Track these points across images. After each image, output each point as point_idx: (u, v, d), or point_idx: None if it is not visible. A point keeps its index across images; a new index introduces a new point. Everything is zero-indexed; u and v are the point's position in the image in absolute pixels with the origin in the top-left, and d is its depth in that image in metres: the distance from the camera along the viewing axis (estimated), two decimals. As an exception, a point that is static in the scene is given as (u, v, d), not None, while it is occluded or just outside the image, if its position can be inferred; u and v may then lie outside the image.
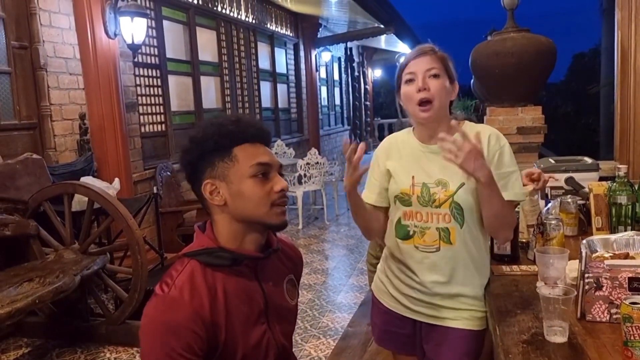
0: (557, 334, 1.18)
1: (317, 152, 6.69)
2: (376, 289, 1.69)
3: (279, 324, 1.21)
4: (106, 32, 4.19)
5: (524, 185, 1.82)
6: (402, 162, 1.53)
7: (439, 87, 1.42)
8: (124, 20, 4.31)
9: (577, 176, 2.29)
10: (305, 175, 6.48)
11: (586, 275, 1.25)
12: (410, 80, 1.45)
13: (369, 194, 1.58)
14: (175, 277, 1.09)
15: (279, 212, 1.15)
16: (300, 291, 4.01)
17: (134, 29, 4.39)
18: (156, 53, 5.47)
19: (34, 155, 3.34)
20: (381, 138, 16.65)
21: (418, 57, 1.45)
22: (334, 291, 4.12)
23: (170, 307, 1.05)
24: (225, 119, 1.16)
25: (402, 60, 1.52)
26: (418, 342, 1.59)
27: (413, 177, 1.48)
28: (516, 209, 1.88)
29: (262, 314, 1.17)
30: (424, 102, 1.42)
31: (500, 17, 3.71)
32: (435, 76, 1.43)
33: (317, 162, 6.53)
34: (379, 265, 1.71)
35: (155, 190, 4.02)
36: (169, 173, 5.23)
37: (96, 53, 4.16)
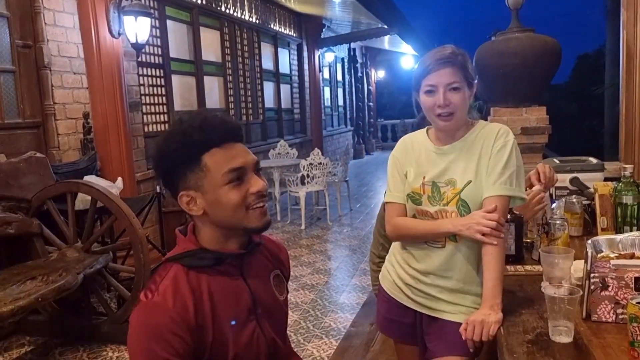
0: (562, 334, 1.18)
1: (320, 153, 6.68)
2: (382, 277, 1.73)
3: (268, 320, 1.20)
4: (110, 32, 4.20)
5: (532, 186, 1.80)
6: (415, 162, 1.57)
7: (460, 100, 1.45)
8: (128, 20, 4.31)
9: (582, 176, 2.28)
10: (308, 175, 6.47)
11: (592, 275, 1.24)
12: (430, 92, 1.47)
13: (398, 194, 1.58)
14: (158, 282, 1.08)
15: (257, 215, 1.11)
16: (302, 291, 4.03)
17: (138, 28, 4.40)
18: (160, 53, 5.47)
19: (38, 154, 3.35)
20: (384, 139, 16.70)
21: (440, 69, 1.45)
22: (337, 291, 4.11)
23: (153, 312, 1.04)
24: (189, 125, 1.09)
25: (421, 64, 1.50)
26: (419, 334, 1.62)
27: (424, 176, 1.52)
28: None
29: (251, 312, 1.16)
30: (445, 114, 1.46)
31: (505, 18, 3.70)
32: (456, 89, 1.45)
33: (320, 163, 6.52)
34: (387, 255, 1.74)
35: (158, 190, 4.02)
36: (172, 172, 5.23)
37: (100, 52, 4.17)
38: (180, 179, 1.09)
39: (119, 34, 4.29)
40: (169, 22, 5.66)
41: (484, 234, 1.38)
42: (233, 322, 1.11)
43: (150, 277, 1.13)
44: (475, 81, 1.50)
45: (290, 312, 3.57)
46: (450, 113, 1.45)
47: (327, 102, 12.21)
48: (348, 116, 14.13)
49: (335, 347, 3.07)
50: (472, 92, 1.50)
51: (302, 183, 6.55)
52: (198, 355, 1.06)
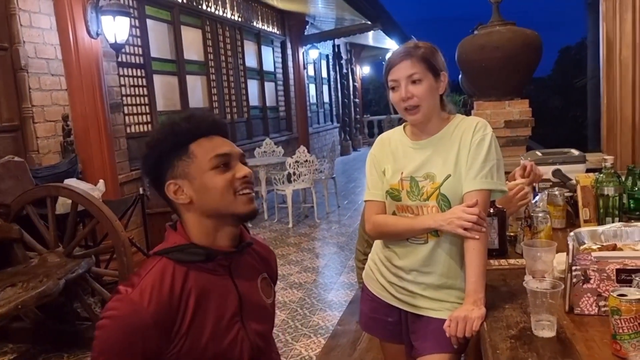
0: (545, 328, 1.17)
1: (306, 150, 6.66)
2: (365, 276, 1.72)
3: (253, 322, 1.18)
4: (88, 32, 4.13)
5: (514, 179, 1.81)
6: (393, 159, 1.55)
7: (422, 92, 1.44)
8: (106, 20, 4.25)
9: (564, 168, 2.29)
10: (294, 173, 6.45)
11: (574, 267, 1.24)
12: (394, 88, 1.47)
13: (377, 191, 1.57)
14: (142, 276, 1.06)
15: (245, 200, 1.12)
16: (290, 290, 4.01)
17: (117, 28, 4.33)
18: (140, 52, 5.41)
19: (16, 158, 3.28)
20: (371, 135, 16.73)
21: (399, 63, 1.46)
22: (325, 289, 4.09)
23: (125, 312, 1.02)
24: (178, 117, 1.15)
25: (387, 59, 1.52)
26: (404, 332, 1.60)
27: (402, 172, 1.51)
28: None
29: (236, 313, 1.14)
30: (410, 108, 1.45)
31: (488, 13, 3.70)
32: (417, 81, 1.44)
33: (307, 160, 6.50)
34: (370, 254, 1.72)
35: (141, 191, 3.97)
36: (156, 174, 5.17)
37: (78, 53, 4.10)
38: (168, 168, 1.11)
39: (98, 35, 4.23)
40: (149, 22, 5.59)
41: (465, 229, 1.37)
42: (216, 323, 1.10)
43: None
44: (443, 72, 1.48)
45: (278, 311, 3.56)
46: (415, 106, 1.44)
47: (313, 99, 12.18)
48: (334, 113, 14.11)
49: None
50: (442, 84, 1.48)
51: (289, 181, 6.53)
52: (173, 351, 1.05)
